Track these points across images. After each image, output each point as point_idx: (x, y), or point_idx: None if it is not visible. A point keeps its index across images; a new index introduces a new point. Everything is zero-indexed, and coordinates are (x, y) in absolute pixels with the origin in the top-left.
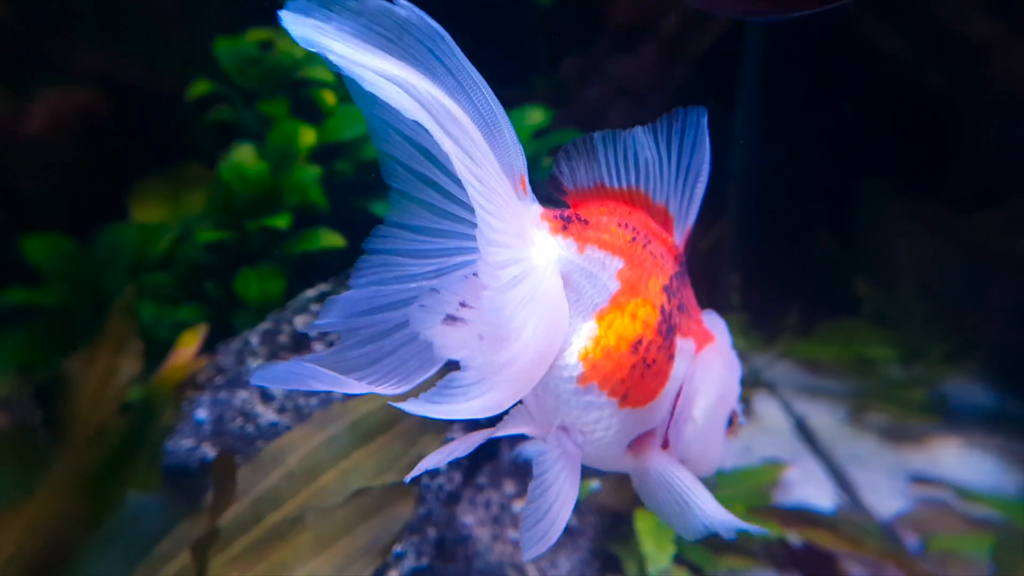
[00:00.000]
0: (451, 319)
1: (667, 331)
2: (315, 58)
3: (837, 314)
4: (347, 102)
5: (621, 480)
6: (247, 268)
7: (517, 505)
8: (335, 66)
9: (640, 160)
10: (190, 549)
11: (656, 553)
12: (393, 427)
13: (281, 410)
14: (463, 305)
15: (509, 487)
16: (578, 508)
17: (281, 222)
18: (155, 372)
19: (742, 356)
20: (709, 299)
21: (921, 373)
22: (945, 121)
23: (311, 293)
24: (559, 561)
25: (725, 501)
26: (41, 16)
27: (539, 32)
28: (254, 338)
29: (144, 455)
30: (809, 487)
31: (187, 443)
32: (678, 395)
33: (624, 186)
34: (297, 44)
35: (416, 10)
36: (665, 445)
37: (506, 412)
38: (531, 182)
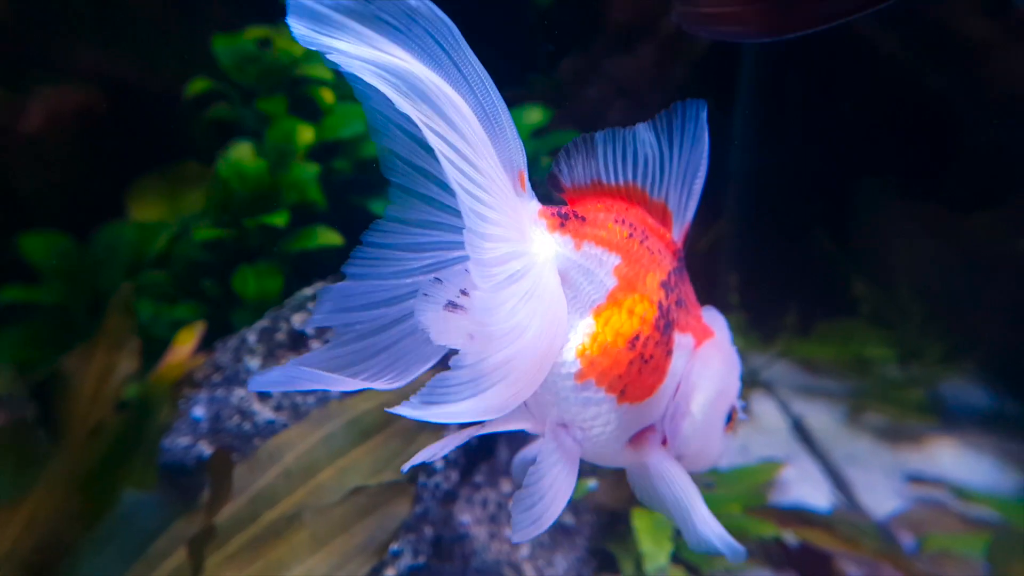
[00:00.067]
0: (451, 305)
1: (665, 327)
2: (314, 56)
3: (835, 314)
4: (345, 100)
5: (618, 479)
6: (245, 266)
7: None
8: (338, 51)
9: (638, 156)
10: (186, 547)
11: (654, 551)
12: (390, 425)
13: (278, 408)
14: (463, 293)
15: (506, 486)
16: (575, 507)
17: (279, 220)
18: (152, 370)
19: (740, 356)
20: (707, 299)
21: (918, 373)
22: (943, 121)
23: (309, 291)
24: (556, 560)
25: (722, 500)
26: (39, 14)
27: (538, 32)
28: (251, 336)
29: (141, 453)
30: (806, 487)
31: (184, 441)
32: (677, 390)
33: (621, 182)
34: (297, 41)
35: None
36: (666, 441)
37: None
38: (530, 181)
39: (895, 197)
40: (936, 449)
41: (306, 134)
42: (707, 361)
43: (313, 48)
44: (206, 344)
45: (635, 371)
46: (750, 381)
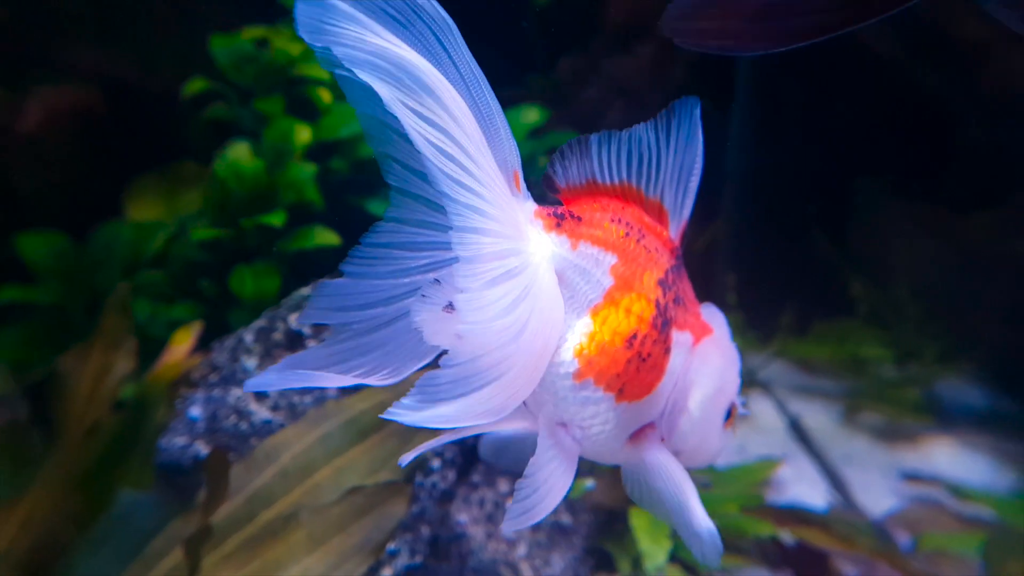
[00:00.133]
0: (450, 307)
1: (662, 325)
2: (311, 56)
3: (832, 314)
4: (343, 100)
5: (616, 478)
6: (242, 266)
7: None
8: (344, 40)
9: (632, 155)
10: (183, 547)
11: (653, 549)
12: (387, 425)
13: (275, 408)
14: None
15: (503, 485)
16: (572, 506)
17: (276, 220)
18: (149, 370)
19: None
20: (704, 298)
21: (915, 373)
22: (941, 121)
23: (306, 291)
24: (552, 559)
25: (719, 500)
26: (37, 14)
27: (537, 32)
28: (248, 336)
29: (137, 453)
30: (802, 486)
31: (180, 441)
32: (675, 387)
33: (616, 182)
34: (302, 33)
35: None
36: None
37: None
38: (526, 182)
39: (892, 197)
40: (932, 448)
41: (303, 134)
42: (705, 358)
43: (319, 41)
44: (203, 344)
45: (633, 370)
46: (747, 381)
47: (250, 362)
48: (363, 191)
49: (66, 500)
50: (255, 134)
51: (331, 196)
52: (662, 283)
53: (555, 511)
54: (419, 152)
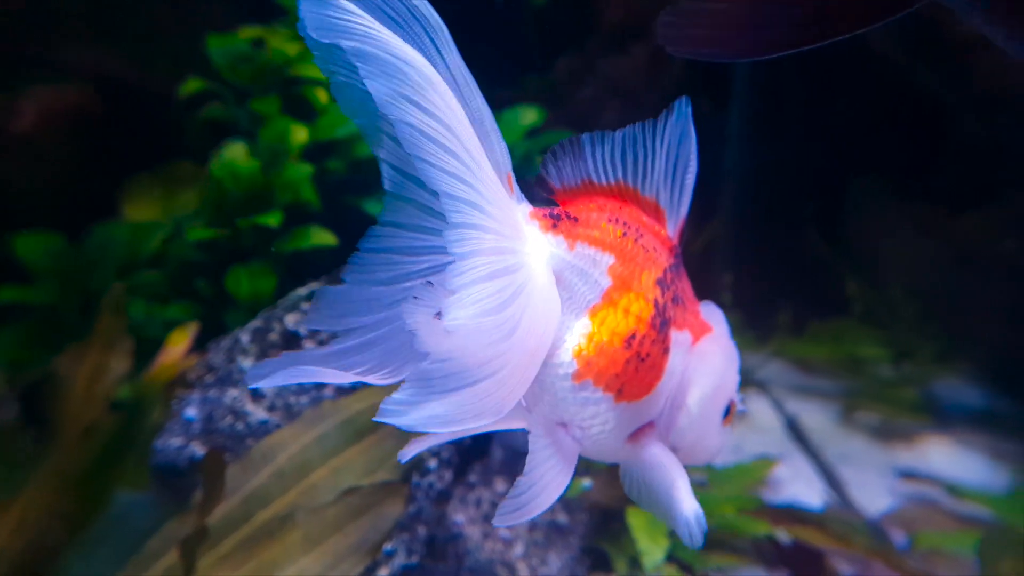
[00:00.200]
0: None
1: (661, 324)
2: (307, 56)
3: (828, 314)
4: None
5: (613, 477)
6: (238, 266)
7: None
8: (350, 28)
9: (626, 154)
10: (179, 547)
11: (651, 548)
12: (383, 425)
13: (271, 408)
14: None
15: (500, 485)
16: (569, 506)
17: (272, 220)
18: (145, 370)
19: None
20: (701, 298)
21: (911, 372)
22: (936, 121)
23: (302, 291)
24: (549, 559)
25: (716, 500)
26: (32, 13)
27: (533, 32)
28: (244, 336)
29: (133, 453)
30: (799, 485)
31: (176, 441)
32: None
33: (612, 182)
34: (307, 28)
35: None
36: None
37: None
38: (521, 184)
39: (889, 196)
40: (928, 448)
41: (300, 134)
42: (704, 355)
43: (326, 37)
44: (199, 344)
45: (632, 370)
46: (744, 380)
47: (246, 363)
48: (360, 191)
49: (62, 501)
50: (251, 134)
51: (328, 196)
52: (660, 282)
53: (551, 510)
54: (417, 151)
